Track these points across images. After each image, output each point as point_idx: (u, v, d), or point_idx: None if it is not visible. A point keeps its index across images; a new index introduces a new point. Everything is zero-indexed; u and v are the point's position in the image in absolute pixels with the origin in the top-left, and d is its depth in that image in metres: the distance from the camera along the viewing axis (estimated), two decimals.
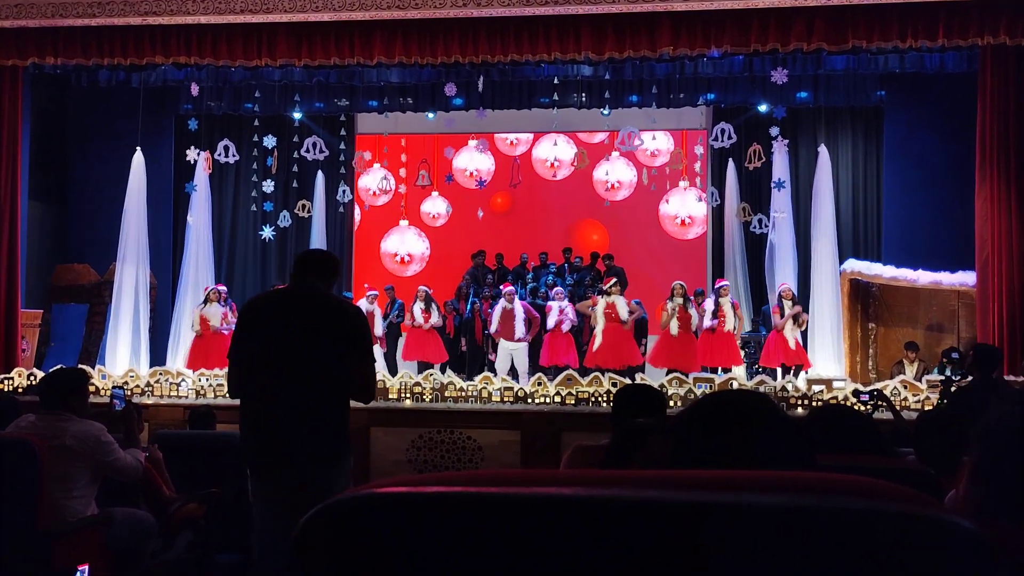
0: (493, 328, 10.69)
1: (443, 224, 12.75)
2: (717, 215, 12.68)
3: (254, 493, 3.36)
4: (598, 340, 10.13)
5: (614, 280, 10.58)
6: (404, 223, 12.53)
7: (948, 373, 9.23)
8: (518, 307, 10.70)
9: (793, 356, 10.19)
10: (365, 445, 7.44)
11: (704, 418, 1.33)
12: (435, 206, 12.67)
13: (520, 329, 10.63)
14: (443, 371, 9.23)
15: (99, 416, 4.35)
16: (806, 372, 9.97)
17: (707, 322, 10.21)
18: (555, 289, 11.18)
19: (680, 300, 10.25)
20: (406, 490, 0.80)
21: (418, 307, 11.07)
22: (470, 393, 8.00)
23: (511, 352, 10.72)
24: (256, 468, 3.35)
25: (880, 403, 5.98)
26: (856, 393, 6.73)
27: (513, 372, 10.67)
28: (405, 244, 12.39)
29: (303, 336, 3.30)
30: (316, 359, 3.29)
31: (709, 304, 10.32)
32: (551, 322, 10.74)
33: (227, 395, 6.56)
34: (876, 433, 2.85)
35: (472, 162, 12.16)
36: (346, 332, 3.32)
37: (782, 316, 10.17)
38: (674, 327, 10.18)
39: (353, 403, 3.36)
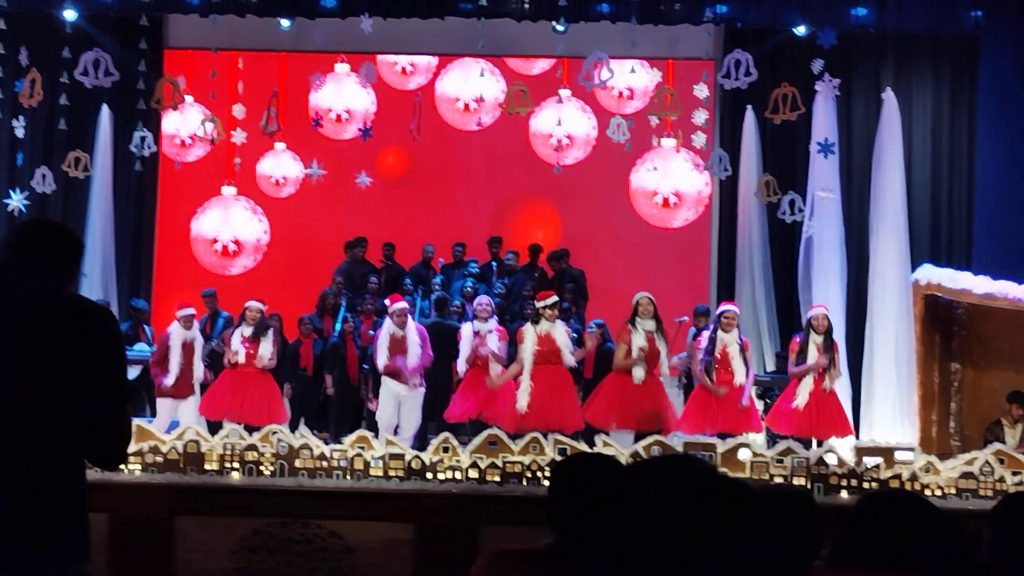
0: (381, 363, 10.60)
1: (293, 194, 12.63)
2: (727, 192, 12.86)
3: None
4: (525, 392, 9.96)
5: (553, 298, 10.39)
6: (230, 191, 12.37)
7: None
8: (412, 331, 10.65)
9: (805, 419, 10.05)
10: (166, 543, 7.37)
11: (620, 512, 1.32)
12: (280, 166, 12.53)
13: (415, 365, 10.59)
14: (293, 428, 9.13)
15: None
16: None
17: (696, 366, 10.20)
18: (477, 300, 11.12)
19: (651, 325, 10.12)
20: None
21: (240, 333, 10.60)
22: (336, 463, 7.96)
23: (399, 399, 10.67)
24: None
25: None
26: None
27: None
28: (229, 225, 12.20)
29: (7, 356, 3.17)
30: (27, 394, 3.14)
31: (703, 340, 10.20)
32: (464, 354, 10.65)
33: None
34: (957, 535, 2.91)
35: (344, 98, 12.10)
36: (86, 352, 3.19)
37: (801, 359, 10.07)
38: (638, 374, 10.02)
39: (103, 473, 3.27)
